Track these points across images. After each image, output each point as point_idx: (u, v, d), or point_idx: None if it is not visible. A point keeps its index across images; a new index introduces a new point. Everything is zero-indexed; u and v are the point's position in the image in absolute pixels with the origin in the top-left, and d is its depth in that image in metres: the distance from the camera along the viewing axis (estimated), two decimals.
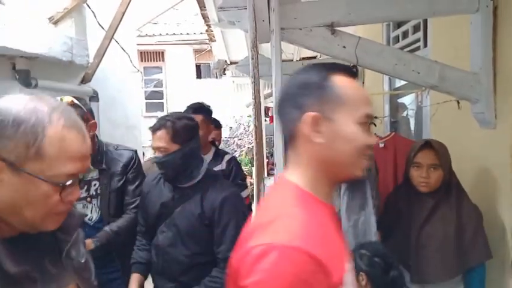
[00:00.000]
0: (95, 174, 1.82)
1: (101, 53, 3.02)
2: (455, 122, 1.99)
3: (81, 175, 0.73)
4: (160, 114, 10.79)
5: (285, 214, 0.70)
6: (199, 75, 11.64)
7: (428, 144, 1.64)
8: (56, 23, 2.85)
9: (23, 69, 2.49)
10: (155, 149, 1.62)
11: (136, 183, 1.87)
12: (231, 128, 10.66)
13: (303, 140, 0.74)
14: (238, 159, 9.59)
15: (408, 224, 1.65)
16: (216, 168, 2.28)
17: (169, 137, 1.56)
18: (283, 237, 0.65)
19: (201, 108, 2.35)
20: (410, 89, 2.59)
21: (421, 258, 1.58)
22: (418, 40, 2.53)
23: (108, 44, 3.04)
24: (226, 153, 2.50)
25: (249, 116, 10.17)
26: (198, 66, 11.58)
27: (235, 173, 2.42)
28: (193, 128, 1.65)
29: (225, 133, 10.41)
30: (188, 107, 2.35)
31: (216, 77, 8.42)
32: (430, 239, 1.59)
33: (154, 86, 11.40)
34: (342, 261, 0.72)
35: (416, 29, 2.57)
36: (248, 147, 9.48)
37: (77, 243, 0.83)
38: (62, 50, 2.63)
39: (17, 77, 2.51)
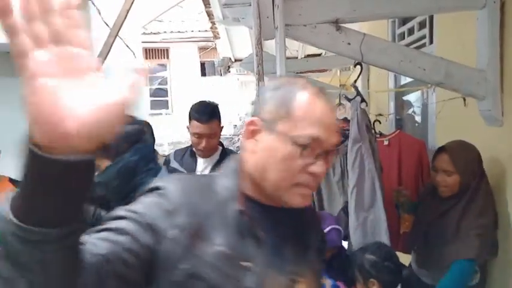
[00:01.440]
0: None
1: (105, 51, 3.03)
2: (461, 120, 1.97)
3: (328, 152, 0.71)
4: (164, 111, 10.82)
5: None
6: (203, 73, 11.65)
7: (443, 149, 1.64)
8: None
9: None
10: None
11: None
12: (235, 125, 10.66)
13: None
14: None
15: (423, 217, 1.76)
16: None
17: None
18: None
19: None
20: (415, 86, 2.57)
21: (426, 247, 1.71)
22: (423, 37, 2.51)
23: (113, 42, 3.04)
24: (233, 152, 2.26)
25: None
26: (202, 64, 11.59)
27: None
28: (129, 136, 1.28)
29: (229, 131, 10.42)
30: None
31: (221, 75, 8.42)
32: (436, 233, 1.65)
33: (159, 84, 11.42)
34: None
35: (422, 25, 2.55)
36: None
37: (318, 245, 0.83)
38: None
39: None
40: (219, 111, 1.92)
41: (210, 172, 1.91)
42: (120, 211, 0.65)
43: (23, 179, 0.43)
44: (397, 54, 1.70)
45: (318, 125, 0.69)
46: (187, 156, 2.00)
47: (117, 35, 3.09)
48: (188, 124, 1.91)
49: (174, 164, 1.99)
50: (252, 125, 0.73)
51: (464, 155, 1.60)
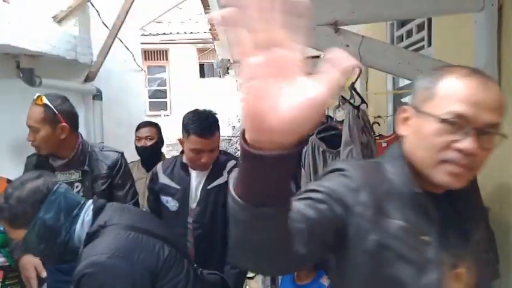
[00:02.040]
0: (77, 176, 1.72)
1: (104, 52, 3.03)
2: None
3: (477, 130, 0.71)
4: (163, 113, 10.83)
5: None
6: (202, 75, 11.65)
7: None
8: (60, 21, 2.86)
9: (27, 68, 2.50)
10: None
11: (126, 188, 1.78)
12: (234, 126, 10.66)
13: None
14: None
15: None
16: (218, 183, 1.77)
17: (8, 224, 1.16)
18: None
19: None
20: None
21: None
22: (422, 39, 2.51)
23: (112, 43, 3.05)
24: (229, 159, 1.85)
25: None
26: (201, 66, 11.60)
27: None
28: (33, 196, 1.13)
29: (228, 132, 10.41)
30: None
31: (220, 76, 8.43)
32: None
33: (158, 85, 11.43)
34: None
35: (420, 28, 2.56)
36: None
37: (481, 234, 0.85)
38: (65, 48, 2.64)
39: (21, 75, 2.52)
40: (218, 121, 1.76)
41: (204, 184, 1.75)
42: (313, 185, 0.75)
43: (240, 168, 0.50)
44: (395, 57, 1.71)
45: (463, 102, 0.70)
46: (177, 169, 1.80)
47: (116, 36, 3.10)
48: (183, 137, 1.72)
49: (164, 180, 1.80)
50: (403, 113, 0.78)
51: None
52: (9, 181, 2.42)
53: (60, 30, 2.74)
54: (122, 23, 3.07)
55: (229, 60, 5.93)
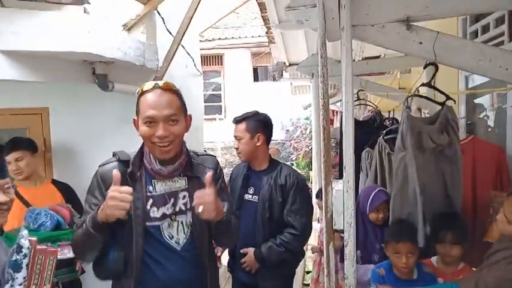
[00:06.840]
0: (183, 183, 1.49)
1: (169, 58, 3.16)
2: None
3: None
4: (218, 116, 11.08)
5: None
6: (256, 78, 11.78)
7: None
8: (129, 29, 3.04)
9: (102, 74, 2.69)
10: None
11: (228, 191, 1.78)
12: (287, 130, 10.63)
13: None
14: (295, 162, 9.45)
15: None
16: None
17: None
18: None
19: None
20: (491, 88, 2.38)
21: None
22: (501, 34, 2.32)
23: (176, 49, 3.17)
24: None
25: (306, 118, 10.06)
26: (255, 70, 11.74)
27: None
28: None
29: (281, 136, 10.40)
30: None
31: (274, 80, 8.46)
32: None
33: (213, 90, 11.75)
34: None
35: (499, 21, 2.36)
36: (305, 151, 9.38)
37: None
38: (135, 54, 2.79)
39: (96, 80, 2.71)
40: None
41: None
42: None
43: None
44: (475, 53, 1.58)
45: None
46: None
47: (180, 42, 3.22)
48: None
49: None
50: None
51: None
52: (53, 181, 2.60)
53: (130, 38, 2.90)
54: (186, 29, 3.19)
55: (284, 63, 5.92)
